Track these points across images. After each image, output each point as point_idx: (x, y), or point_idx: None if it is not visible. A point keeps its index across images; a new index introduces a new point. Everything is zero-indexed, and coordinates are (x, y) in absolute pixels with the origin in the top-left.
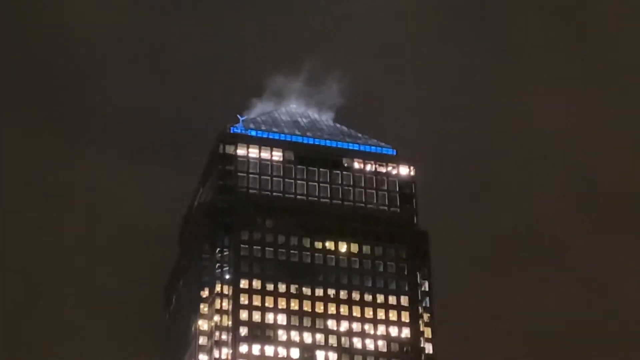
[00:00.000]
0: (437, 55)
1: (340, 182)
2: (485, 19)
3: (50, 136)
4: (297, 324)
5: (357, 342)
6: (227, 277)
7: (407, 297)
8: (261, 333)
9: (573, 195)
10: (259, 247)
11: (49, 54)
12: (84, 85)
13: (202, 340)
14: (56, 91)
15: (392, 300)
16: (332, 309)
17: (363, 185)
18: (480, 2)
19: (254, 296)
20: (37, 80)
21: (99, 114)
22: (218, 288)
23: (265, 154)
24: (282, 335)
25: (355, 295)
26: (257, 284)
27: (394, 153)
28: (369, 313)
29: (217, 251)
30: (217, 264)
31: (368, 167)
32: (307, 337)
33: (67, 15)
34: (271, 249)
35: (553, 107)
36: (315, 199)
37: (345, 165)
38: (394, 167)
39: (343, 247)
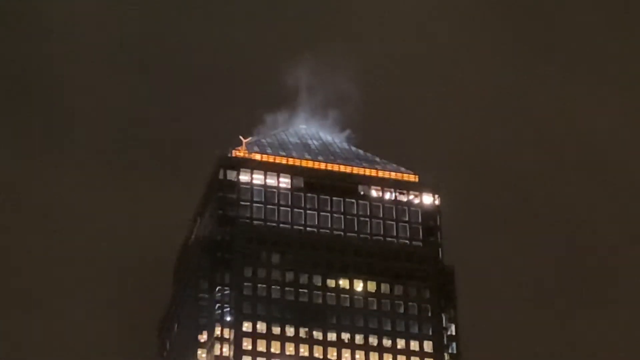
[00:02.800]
0: (464, 67)
1: (355, 212)
2: (522, 20)
3: (30, 150)
4: None
5: None
6: (228, 319)
7: (431, 343)
8: None
9: (634, 216)
10: (263, 286)
11: (32, 60)
12: (69, 93)
13: None
14: (40, 100)
15: (414, 345)
16: (346, 355)
17: (381, 215)
18: (515, 3)
19: (259, 341)
20: (17, 86)
21: (85, 129)
22: (218, 331)
23: (271, 181)
24: None
25: (373, 340)
26: (261, 327)
27: (416, 179)
28: None
29: (216, 290)
30: (217, 305)
31: (387, 196)
32: None
33: (56, 21)
34: (277, 287)
35: (608, 113)
36: (328, 231)
37: (362, 193)
38: (416, 196)
39: (359, 286)
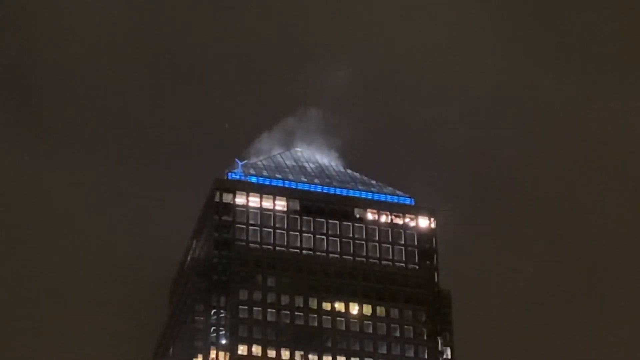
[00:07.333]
0: (459, 90)
1: (351, 235)
2: (525, 34)
3: (27, 149)
4: None
5: None
6: (224, 342)
7: None
8: None
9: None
10: (259, 309)
11: (32, 61)
12: (66, 91)
13: None
14: (39, 99)
15: None
16: None
17: (377, 238)
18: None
19: None
20: (15, 89)
21: (83, 144)
22: (213, 355)
23: (267, 203)
24: None
25: None
26: (257, 350)
27: (412, 202)
28: None
29: (212, 313)
30: (212, 328)
31: (383, 219)
32: None
33: (55, 20)
34: (273, 310)
35: (611, 122)
36: (324, 254)
37: (357, 216)
38: (412, 219)
39: (354, 309)
